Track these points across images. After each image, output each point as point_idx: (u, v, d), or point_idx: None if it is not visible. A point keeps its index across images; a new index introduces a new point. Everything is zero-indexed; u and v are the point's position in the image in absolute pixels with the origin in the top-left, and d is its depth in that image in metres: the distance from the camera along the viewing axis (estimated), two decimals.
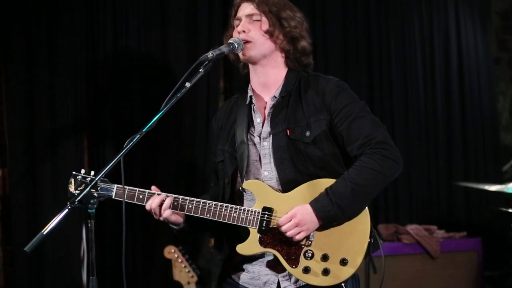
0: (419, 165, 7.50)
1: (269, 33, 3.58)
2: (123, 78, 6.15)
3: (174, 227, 3.63)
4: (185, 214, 3.54)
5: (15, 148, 5.75)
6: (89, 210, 3.10)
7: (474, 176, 7.69)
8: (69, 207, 3.03)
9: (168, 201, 3.50)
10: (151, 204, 3.51)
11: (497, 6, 8.38)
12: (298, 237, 3.38)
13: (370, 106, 6.99)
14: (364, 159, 3.41)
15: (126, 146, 3.19)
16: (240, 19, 3.65)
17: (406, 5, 7.60)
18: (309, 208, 3.37)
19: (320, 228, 3.41)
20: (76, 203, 3.06)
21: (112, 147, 5.96)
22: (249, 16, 3.62)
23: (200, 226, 3.68)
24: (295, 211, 3.37)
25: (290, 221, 3.36)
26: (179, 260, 5.66)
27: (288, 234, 3.37)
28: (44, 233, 2.96)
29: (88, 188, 3.11)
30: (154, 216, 3.54)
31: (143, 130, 3.23)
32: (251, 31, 3.59)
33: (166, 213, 3.50)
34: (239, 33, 3.60)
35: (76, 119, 5.96)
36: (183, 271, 5.66)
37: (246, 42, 3.58)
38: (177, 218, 3.55)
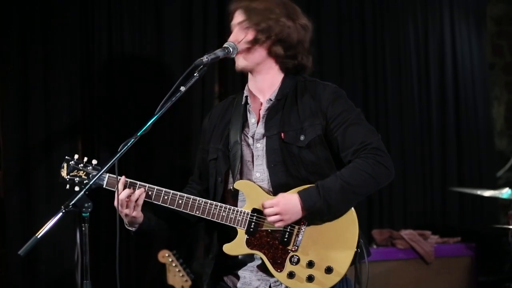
0: (414, 170, 7.50)
1: (256, 41, 3.59)
2: (117, 82, 6.15)
3: (131, 228, 3.59)
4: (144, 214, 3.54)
5: (9, 151, 5.75)
6: (83, 214, 3.09)
7: (468, 182, 7.69)
8: (63, 211, 3.03)
9: (139, 191, 3.47)
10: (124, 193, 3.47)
11: (492, 11, 8.39)
12: (277, 225, 3.39)
13: (364, 111, 7.03)
14: (358, 161, 3.43)
15: (121, 150, 3.20)
16: (233, 28, 3.67)
17: (401, 10, 7.60)
18: (295, 198, 3.37)
19: (307, 234, 3.42)
20: (70, 206, 3.06)
21: (106, 151, 5.95)
22: (239, 24, 3.64)
23: (160, 223, 3.67)
24: (279, 199, 3.38)
25: (272, 207, 3.37)
26: (173, 264, 5.66)
27: (268, 219, 3.39)
28: (38, 236, 2.97)
29: (82, 192, 3.11)
30: (121, 208, 3.46)
31: (138, 134, 3.23)
32: (242, 42, 3.60)
33: (139, 201, 3.47)
34: (232, 42, 3.61)
35: (70, 123, 5.95)
36: (177, 275, 5.66)
37: (238, 52, 3.60)
38: (138, 213, 3.51)
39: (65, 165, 3.61)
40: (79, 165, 3.60)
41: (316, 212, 3.38)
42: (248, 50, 3.60)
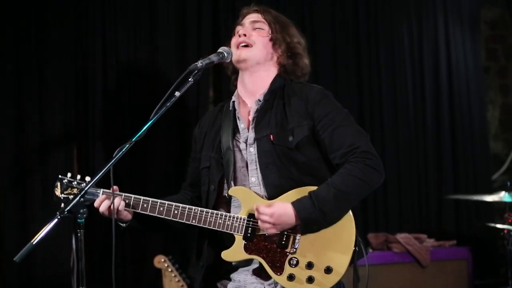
0: (409, 174, 7.51)
1: (270, 43, 3.62)
2: (112, 88, 6.15)
3: (121, 224, 3.63)
4: (134, 211, 3.56)
5: (4, 158, 5.75)
6: (78, 220, 3.09)
7: (464, 185, 7.70)
8: (59, 217, 3.03)
9: (121, 202, 3.50)
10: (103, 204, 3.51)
11: (486, 15, 8.41)
12: (268, 232, 3.40)
13: (359, 116, 7.09)
14: (348, 166, 3.44)
15: (116, 155, 3.20)
16: (243, 25, 3.69)
17: (396, 15, 7.61)
18: (288, 208, 3.38)
19: (304, 235, 3.43)
20: (66, 212, 3.06)
21: (101, 157, 5.95)
22: (253, 22, 3.68)
23: (150, 225, 3.69)
24: (274, 210, 3.37)
25: (268, 217, 3.37)
26: (169, 270, 5.65)
27: (260, 226, 3.40)
28: (34, 242, 2.96)
29: (77, 198, 3.11)
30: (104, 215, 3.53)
31: (133, 140, 3.24)
32: (252, 36, 3.63)
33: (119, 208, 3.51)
34: (239, 36, 3.63)
35: (65, 129, 5.96)
36: (173, 281, 5.65)
37: (245, 46, 3.62)
38: (127, 215, 3.57)
39: (58, 184, 3.61)
40: (73, 183, 3.60)
41: (312, 222, 3.39)
42: (258, 46, 3.63)
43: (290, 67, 3.70)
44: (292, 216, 3.37)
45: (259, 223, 3.40)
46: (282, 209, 3.38)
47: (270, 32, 3.66)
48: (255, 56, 3.64)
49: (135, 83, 6.24)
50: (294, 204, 3.39)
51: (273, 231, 3.40)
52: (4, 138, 5.77)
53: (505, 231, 6.30)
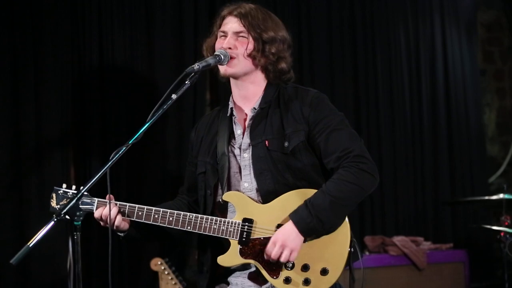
0: (406, 177, 7.51)
1: (252, 55, 3.58)
2: (109, 91, 6.15)
3: (120, 234, 3.63)
4: (131, 220, 3.56)
5: (1, 160, 5.74)
6: (75, 223, 3.09)
7: (460, 188, 7.70)
8: (55, 220, 3.03)
9: (113, 212, 3.50)
10: (105, 212, 3.51)
11: (483, 18, 8.42)
12: (292, 258, 3.38)
13: (356, 118, 7.09)
14: (341, 172, 3.43)
15: (112, 158, 3.19)
16: (225, 34, 3.64)
17: (392, 17, 7.62)
18: (289, 225, 3.37)
19: None
20: (62, 215, 3.06)
21: (98, 159, 5.95)
22: (236, 33, 3.61)
23: (148, 234, 3.67)
24: (276, 236, 3.37)
25: (275, 246, 3.36)
26: (166, 272, 5.65)
27: (282, 259, 3.37)
28: (30, 245, 2.96)
29: (74, 200, 3.11)
30: (101, 223, 3.54)
31: (129, 142, 3.23)
32: (237, 49, 3.59)
33: (117, 220, 3.51)
34: (224, 49, 3.60)
35: (62, 132, 5.95)
36: (169, 283, 5.64)
37: (231, 58, 3.58)
38: (125, 224, 3.57)
39: (54, 195, 3.62)
40: (68, 194, 3.61)
41: (311, 231, 3.38)
42: (240, 60, 3.60)
43: (274, 72, 3.67)
44: (295, 230, 3.36)
45: (281, 259, 3.37)
46: (283, 230, 3.38)
47: (252, 45, 3.60)
48: (241, 69, 3.60)
49: (132, 86, 6.23)
50: (291, 216, 3.39)
51: (293, 254, 3.37)
52: (0, 141, 5.76)
53: (502, 234, 6.29)
